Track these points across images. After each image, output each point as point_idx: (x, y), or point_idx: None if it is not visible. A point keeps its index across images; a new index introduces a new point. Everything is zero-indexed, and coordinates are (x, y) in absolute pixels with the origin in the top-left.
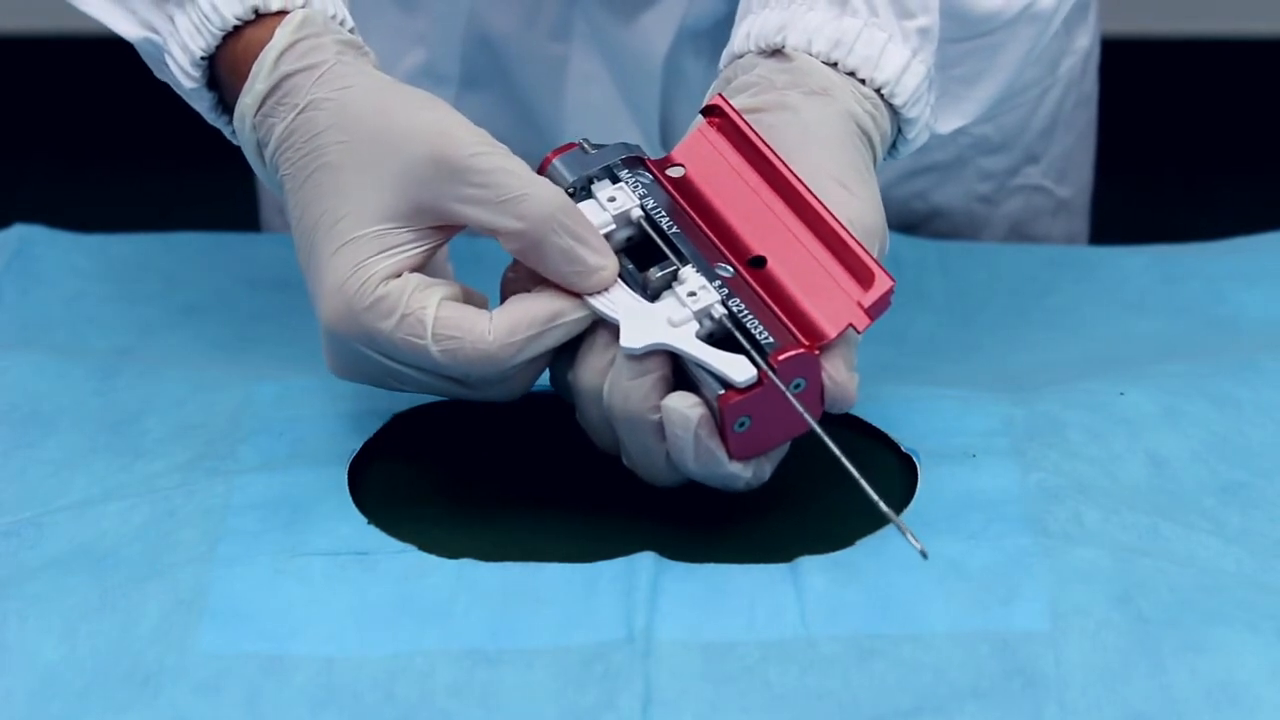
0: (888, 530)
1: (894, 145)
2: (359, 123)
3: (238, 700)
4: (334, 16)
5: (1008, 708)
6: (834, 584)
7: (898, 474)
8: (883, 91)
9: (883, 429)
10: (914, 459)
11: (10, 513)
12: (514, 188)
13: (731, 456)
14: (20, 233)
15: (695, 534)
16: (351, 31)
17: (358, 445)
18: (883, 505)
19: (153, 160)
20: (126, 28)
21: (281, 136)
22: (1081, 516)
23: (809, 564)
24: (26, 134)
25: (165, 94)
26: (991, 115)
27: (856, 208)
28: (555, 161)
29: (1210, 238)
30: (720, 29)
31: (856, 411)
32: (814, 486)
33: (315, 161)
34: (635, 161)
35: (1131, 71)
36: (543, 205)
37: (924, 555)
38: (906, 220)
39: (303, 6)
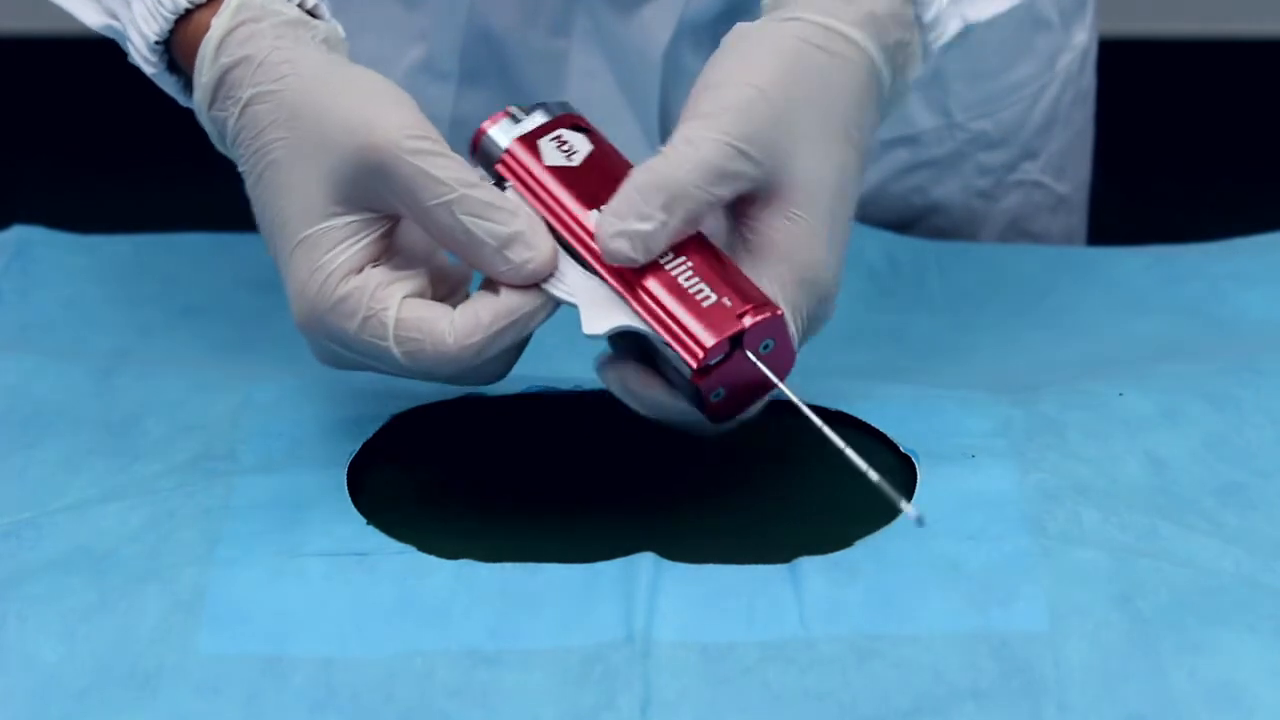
0: (887, 531)
1: (925, 49)
2: (296, 117)
3: (237, 701)
4: None
5: (1007, 708)
6: (833, 584)
7: (897, 474)
8: None
9: (882, 429)
10: (913, 459)
11: (9, 513)
12: (432, 194)
13: (714, 420)
14: (20, 233)
15: (695, 534)
16: (311, 11)
17: (357, 446)
18: (861, 462)
19: (152, 161)
20: (91, 16)
21: (233, 133)
22: (1080, 517)
23: (808, 564)
24: (26, 134)
25: (164, 94)
26: (990, 111)
27: (751, 97)
28: (489, 132)
29: (1210, 238)
30: (719, 23)
31: (856, 412)
32: (813, 487)
33: (263, 160)
34: (566, 120)
35: (1130, 71)
36: (452, 215)
37: (920, 522)
38: (904, 215)
39: None
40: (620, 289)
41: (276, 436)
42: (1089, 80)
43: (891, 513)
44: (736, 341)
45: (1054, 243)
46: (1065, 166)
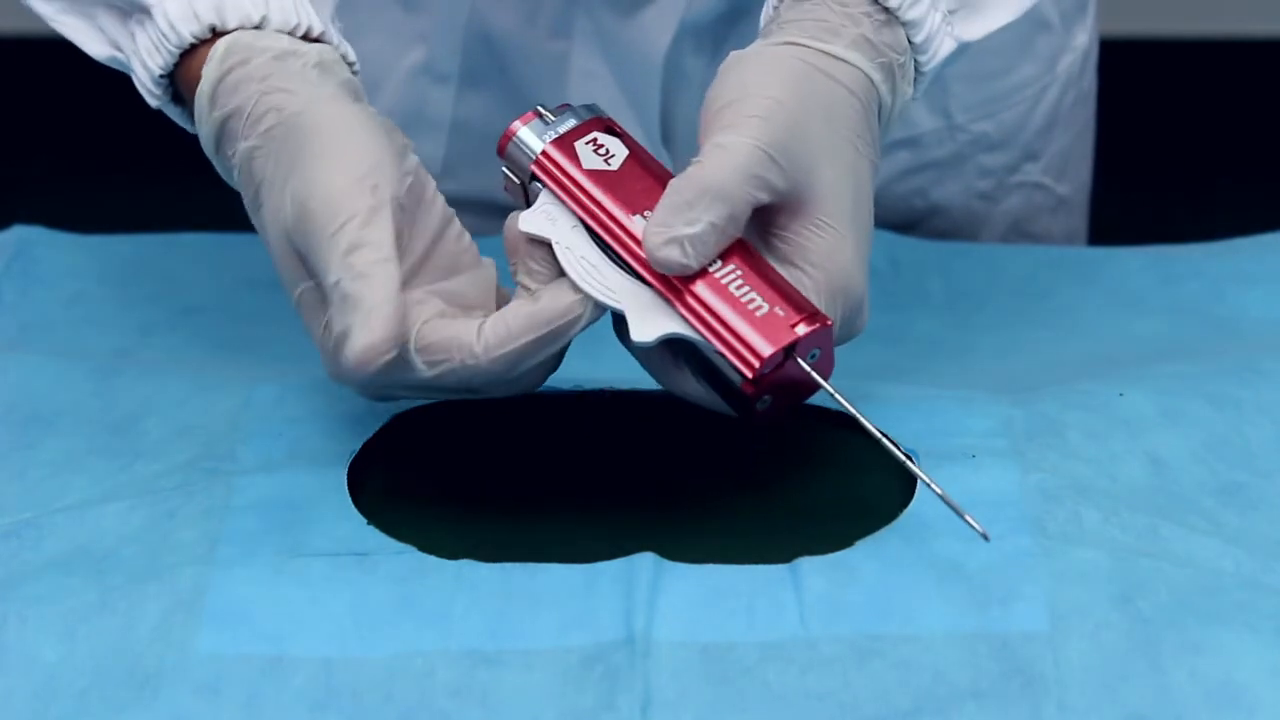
0: (887, 531)
1: (919, 70)
2: (278, 174)
3: (237, 701)
4: (294, 29)
5: (1007, 708)
6: (833, 584)
7: (897, 474)
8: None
9: (882, 429)
10: (913, 459)
11: (10, 513)
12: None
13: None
14: (20, 233)
15: (695, 534)
16: (305, 36)
17: (357, 446)
18: (923, 476)
19: (153, 161)
20: (96, 47)
21: (239, 183)
22: (1081, 517)
23: (808, 565)
24: (27, 135)
25: None
26: (991, 112)
27: (776, 112)
28: (519, 134)
29: (1210, 238)
30: (720, 25)
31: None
32: (813, 487)
33: (257, 216)
34: (598, 124)
35: (1131, 72)
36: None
37: (986, 538)
38: (906, 217)
39: (257, 26)
40: (670, 296)
41: (276, 436)
42: (1090, 81)
43: (891, 513)
44: (788, 351)
45: (1055, 244)
46: (1066, 168)
